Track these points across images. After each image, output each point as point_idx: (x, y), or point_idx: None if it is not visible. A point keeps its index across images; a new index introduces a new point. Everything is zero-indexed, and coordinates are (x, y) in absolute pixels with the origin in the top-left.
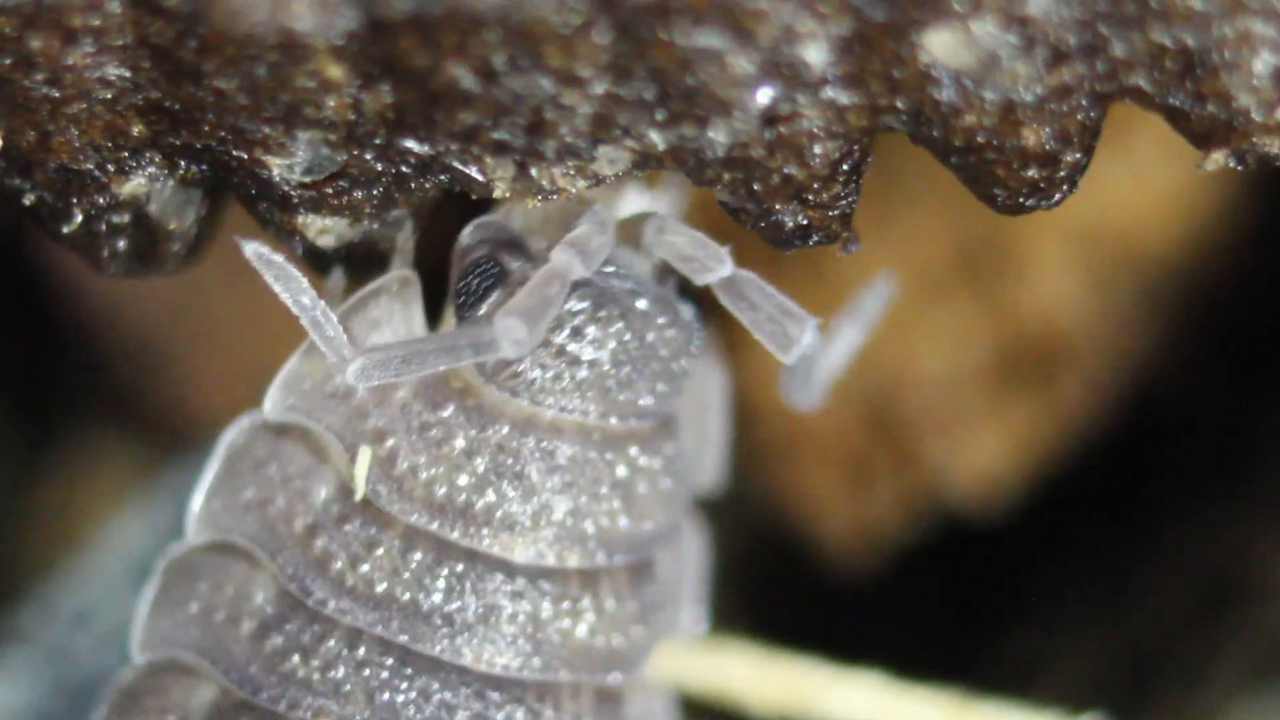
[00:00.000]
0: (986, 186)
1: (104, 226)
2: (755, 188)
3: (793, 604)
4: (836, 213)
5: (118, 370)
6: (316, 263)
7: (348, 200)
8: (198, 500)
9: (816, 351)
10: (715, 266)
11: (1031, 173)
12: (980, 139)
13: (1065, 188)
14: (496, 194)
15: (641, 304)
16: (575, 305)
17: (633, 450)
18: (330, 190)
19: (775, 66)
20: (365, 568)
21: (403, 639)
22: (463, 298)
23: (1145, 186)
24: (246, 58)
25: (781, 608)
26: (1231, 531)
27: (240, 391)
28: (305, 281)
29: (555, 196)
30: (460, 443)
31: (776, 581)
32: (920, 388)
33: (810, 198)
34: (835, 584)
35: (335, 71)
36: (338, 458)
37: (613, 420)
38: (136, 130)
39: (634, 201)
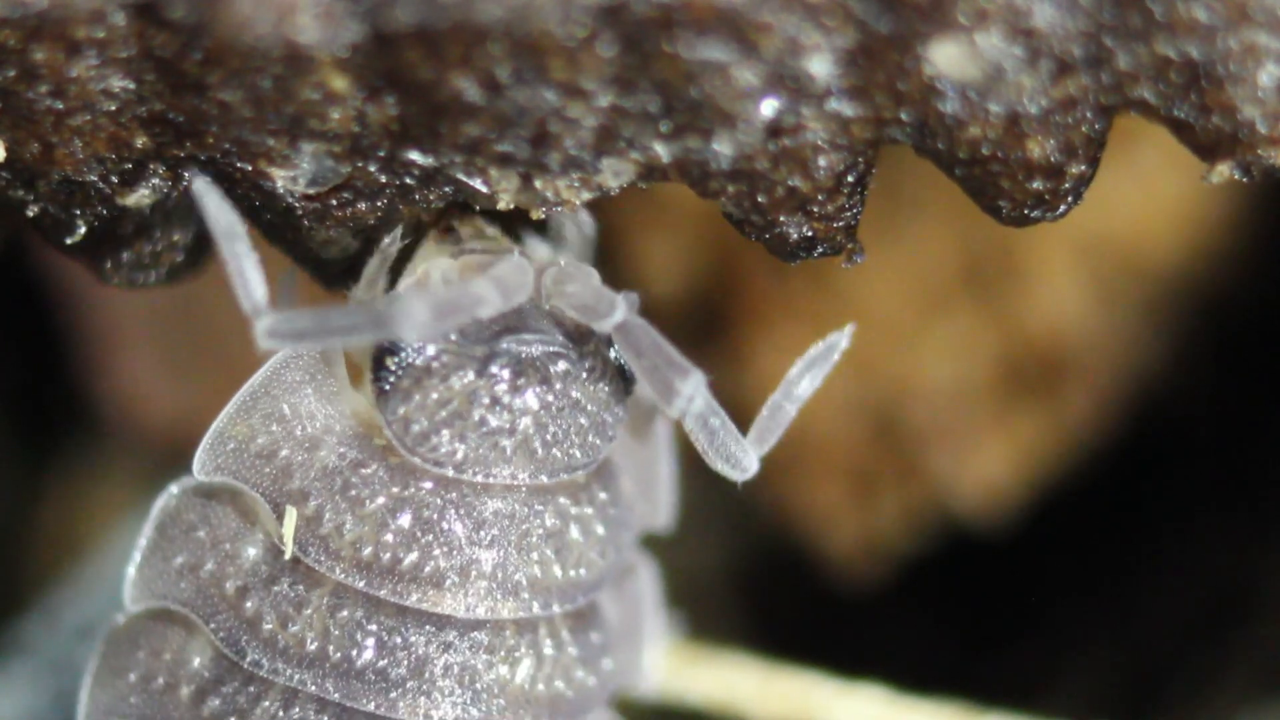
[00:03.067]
0: (991, 199)
1: (108, 238)
2: (760, 200)
3: (798, 615)
4: (841, 225)
5: (120, 382)
6: (321, 274)
7: (352, 212)
8: (132, 568)
9: (772, 403)
10: (608, 312)
11: (1036, 185)
12: (985, 151)
13: (1070, 200)
14: (500, 205)
15: (562, 366)
16: (494, 374)
17: (563, 500)
18: (334, 202)
19: (780, 79)
20: (296, 627)
21: (337, 696)
22: (379, 368)
23: (1150, 198)
24: (251, 70)
25: (786, 619)
26: (1237, 543)
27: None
28: (242, 228)
29: (560, 208)
30: (383, 500)
31: (781, 592)
32: (925, 399)
33: (815, 210)
34: (840, 595)
35: (340, 84)
36: (265, 518)
37: (541, 478)
38: (140, 142)
39: (539, 250)
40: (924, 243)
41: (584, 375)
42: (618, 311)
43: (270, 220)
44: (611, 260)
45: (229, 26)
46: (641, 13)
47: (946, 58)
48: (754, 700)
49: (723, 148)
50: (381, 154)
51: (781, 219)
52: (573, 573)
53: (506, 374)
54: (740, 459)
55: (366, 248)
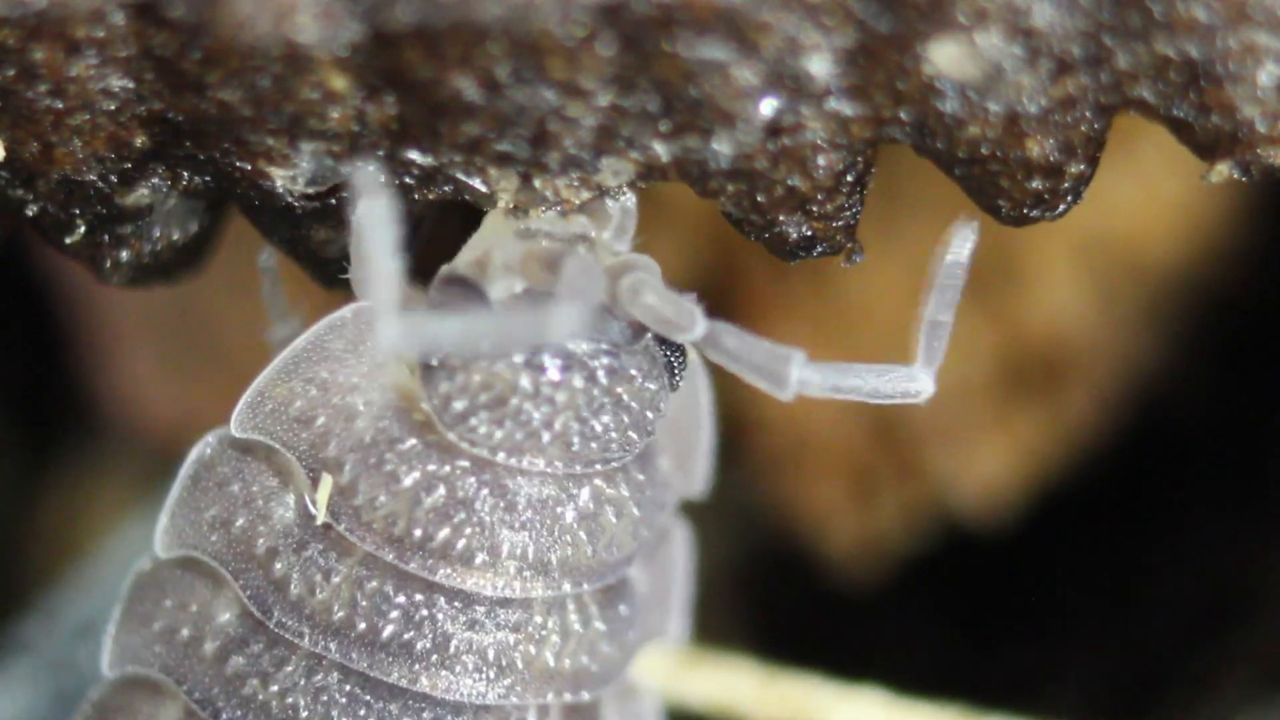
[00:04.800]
0: (991, 198)
1: (107, 237)
2: (759, 199)
3: (797, 615)
4: (840, 224)
5: (120, 382)
6: (320, 273)
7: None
8: (164, 514)
9: (926, 322)
10: (689, 326)
11: (1036, 184)
12: (984, 150)
13: (1069, 199)
14: (500, 205)
15: (610, 363)
16: (541, 365)
17: (599, 482)
18: (334, 201)
19: (779, 78)
20: (324, 594)
21: (362, 666)
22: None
23: (1150, 197)
24: (250, 69)
25: (786, 618)
26: (1237, 542)
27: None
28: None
29: (559, 208)
30: (418, 476)
31: (781, 592)
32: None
33: (814, 209)
34: (840, 595)
35: (339, 83)
36: (300, 481)
37: (576, 467)
38: (140, 141)
39: (606, 241)
40: (923, 242)
41: (631, 373)
42: (699, 324)
43: (270, 219)
44: None
45: (228, 26)
46: (641, 12)
47: (946, 57)
48: (753, 703)
49: (722, 147)
50: (381, 153)
51: (781, 218)
52: (605, 553)
53: (553, 368)
54: (898, 385)
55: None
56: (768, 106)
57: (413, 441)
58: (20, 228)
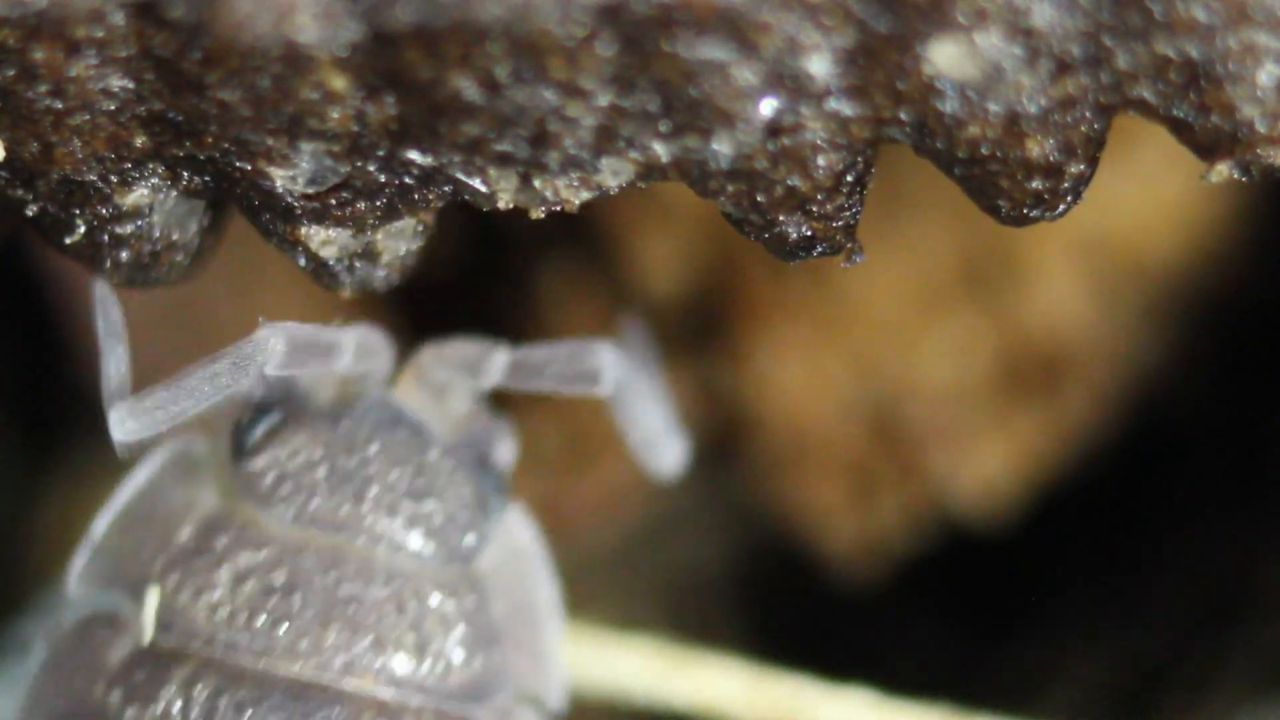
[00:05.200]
0: (990, 198)
1: (106, 237)
2: (759, 199)
3: (796, 614)
4: (840, 224)
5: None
6: (320, 273)
7: (351, 211)
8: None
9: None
10: (490, 354)
11: (1035, 184)
12: (984, 150)
13: (1069, 199)
14: (500, 205)
15: (414, 440)
16: (345, 436)
17: (424, 585)
18: (333, 201)
19: (779, 78)
20: (159, 707)
21: None
22: (238, 436)
23: (1150, 198)
24: (250, 69)
25: (785, 618)
26: (1237, 542)
27: None
28: (120, 327)
29: (559, 208)
30: (238, 567)
31: (780, 592)
32: (924, 398)
33: (814, 209)
34: (839, 594)
35: (339, 83)
36: (129, 614)
37: (397, 552)
38: (139, 141)
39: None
40: (923, 242)
41: (437, 462)
42: (498, 353)
43: (269, 219)
44: (611, 260)
45: (228, 26)
46: (641, 12)
47: (946, 57)
48: (741, 703)
49: (722, 147)
50: (381, 153)
51: (781, 218)
52: (431, 663)
53: (359, 435)
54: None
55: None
56: (767, 106)
57: (229, 535)
58: (20, 228)
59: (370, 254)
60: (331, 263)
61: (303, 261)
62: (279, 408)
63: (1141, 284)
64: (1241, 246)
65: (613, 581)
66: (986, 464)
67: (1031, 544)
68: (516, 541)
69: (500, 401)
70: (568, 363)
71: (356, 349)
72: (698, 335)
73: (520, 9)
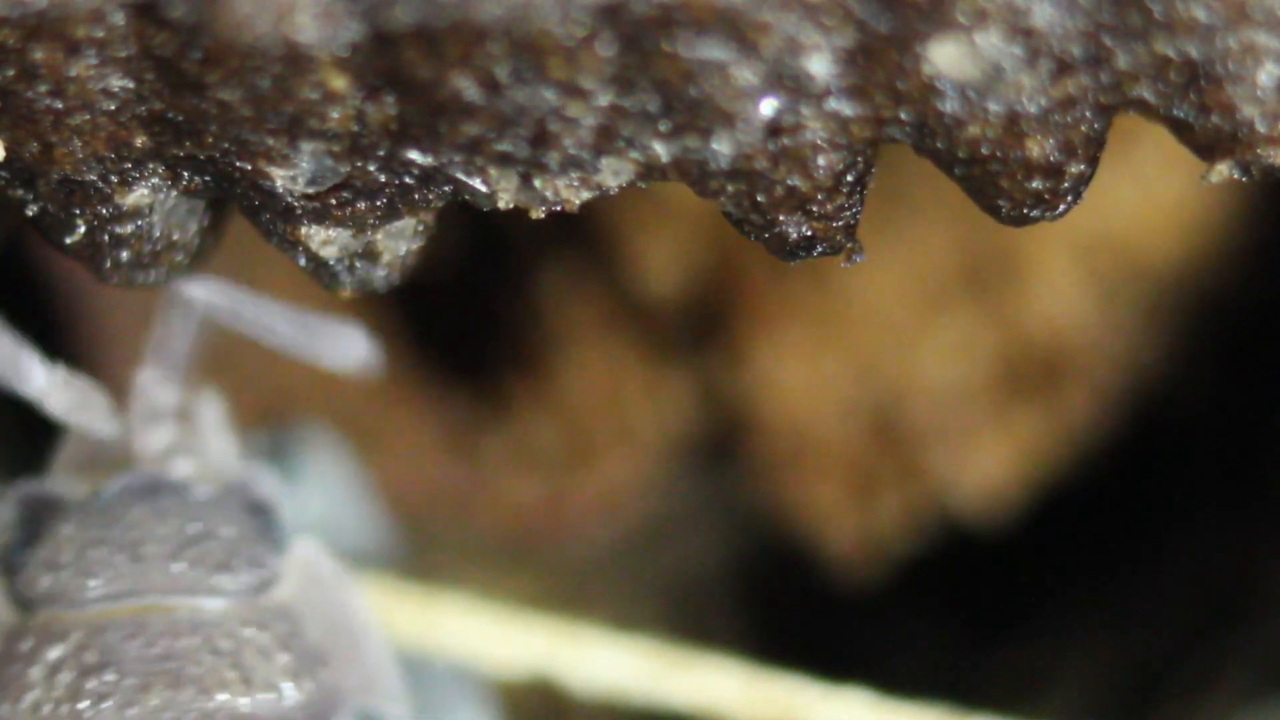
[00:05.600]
0: (990, 198)
1: (107, 237)
2: (759, 199)
3: (796, 614)
4: (840, 224)
5: (120, 381)
6: (320, 273)
7: (351, 211)
8: None
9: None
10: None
11: (1035, 184)
12: (984, 150)
13: (1069, 199)
14: (500, 205)
15: (175, 497)
16: (114, 505)
17: (232, 624)
18: (334, 201)
19: (779, 78)
20: None
21: None
22: (5, 559)
23: (1150, 197)
24: (250, 69)
25: (785, 618)
26: (1237, 543)
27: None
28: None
29: (559, 208)
30: (48, 665)
31: (780, 591)
32: (925, 398)
33: (814, 209)
34: (839, 594)
35: (339, 83)
36: None
37: (189, 598)
38: (139, 141)
39: None
40: (923, 242)
41: (202, 510)
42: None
43: (269, 219)
44: (611, 260)
45: (228, 26)
46: (641, 12)
47: (946, 57)
48: (739, 703)
49: (722, 147)
50: (381, 153)
51: (781, 218)
52: (263, 694)
53: (118, 508)
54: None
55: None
56: (768, 106)
57: (33, 637)
58: (20, 227)
59: (370, 254)
60: (332, 262)
61: (303, 261)
62: (32, 520)
63: (1142, 284)
64: (1241, 246)
65: (612, 581)
66: (986, 464)
67: (1031, 544)
68: (314, 569)
69: (500, 400)
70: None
71: (67, 398)
72: (698, 335)
73: (520, 9)
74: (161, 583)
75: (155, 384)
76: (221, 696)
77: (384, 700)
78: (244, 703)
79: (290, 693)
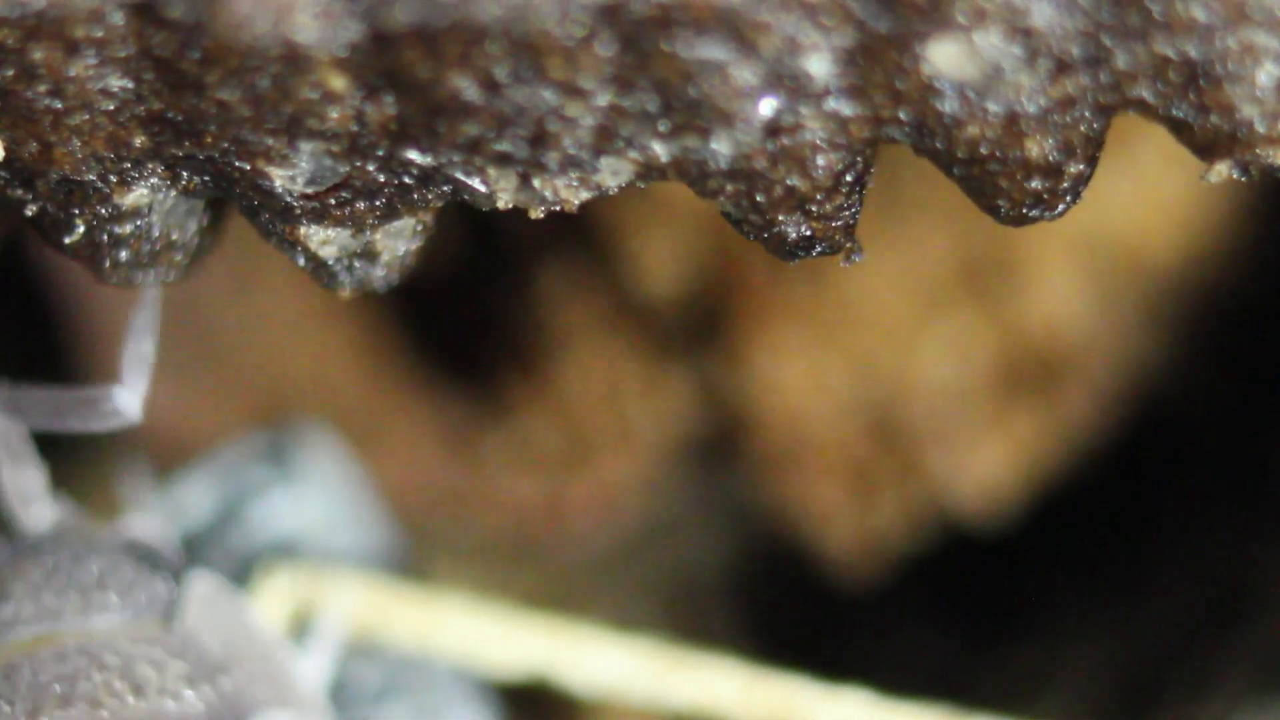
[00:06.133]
0: (990, 198)
1: (106, 237)
2: (758, 199)
3: (795, 614)
4: (840, 224)
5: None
6: (319, 273)
7: (350, 211)
8: None
9: None
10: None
11: (1035, 184)
12: (983, 150)
13: (1069, 199)
14: (500, 205)
15: (61, 540)
16: (28, 559)
17: (126, 643)
18: (333, 201)
19: (778, 78)
20: None
21: None
22: None
23: (1149, 197)
24: (249, 69)
25: (784, 617)
26: (1236, 542)
27: (242, 402)
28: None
29: (558, 208)
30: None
31: (779, 591)
32: (923, 398)
33: (813, 209)
34: (838, 594)
35: (338, 83)
36: None
37: (78, 626)
38: (139, 141)
39: None
40: (922, 242)
41: (100, 548)
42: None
43: (268, 219)
44: (610, 260)
45: (227, 26)
46: (640, 12)
47: (945, 57)
48: (738, 703)
49: (721, 147)
50: (380, 153)
51: (780, 218)
52: (159, 699)
53: (19, 560)
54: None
55: (365, 248)
56: (767, 106)
57: None
58: (20, 228)
59: (369, 254)
60: (331, 262)
61: (302, 261)
62: None
63: (1140, 284)
64: (1241, 246)
65: (611, 581)
66: (985, 464)
67: (1030, 543)
68: (212, 597)
69: (499, 399)
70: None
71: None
72: (697, 335)
73: (519, 9)
74: (44, 614)
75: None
76: (113, 704)
77: (303, 712)
78: (139, 709)
79: (191, 699)
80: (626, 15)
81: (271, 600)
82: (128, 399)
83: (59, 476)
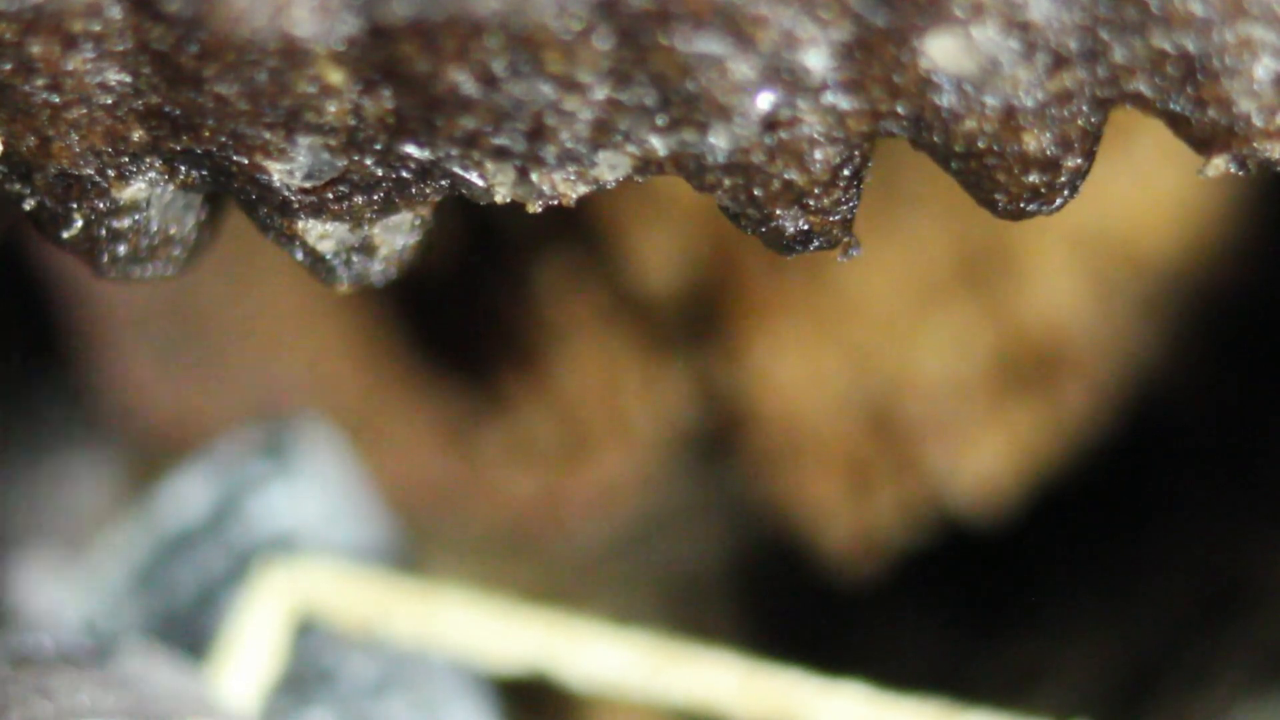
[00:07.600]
0: (987, 192)
1: (104, 231)
2: (756, 193)
3: (793, 609)
4: (837, 218)
5: (117, 378)
6: (317, 268)
7: (348, 205)
8: None
9: None
10: None
11: (1032, 178)
12: (981, 144)
13: (1066, 193)
14: (497, 199)
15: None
16: None
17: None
18: (330, 195)
19: (776, 72)
20: None
21: None
22: None
23: (1147, 191)
24: (247, 63)
25: (782, 613)
26: (1233, 536)
27: (239, 396)
28: None
29: (556, 202)
30: None
31: (777, 587)
32: (921, 393)
33: (811, 203)
34: (836, 590)
35: (336, 77)
36: None
37: None
38: (136, 135)
39: None
40: (920, 236)
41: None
42: None
43: (266, 213)
44: (608, 255)
45: (225, 20)
46: (638, 6)
47: (942, 51)
48: (736, 699)
49: (719, 141)
50: (378, 147)
51: (778, 212)
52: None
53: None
54: None
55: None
56: (764, 100)
57: None
58: (17, 222)
59: (367, 248)
60: (329, 257)
61: (300, 256)
62: None
63: (1138, 278)
64: (1238, 241)
65: (608, 576)
66: (983, 459)
67: (1028, 539)
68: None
69: (497, 394)
70: None
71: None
72: (695, 330)
73: (517, 2)
74: None
75: None
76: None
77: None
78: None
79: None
80: (624, 9)
81: (269, 595)
82: None
83: (52, 476)
